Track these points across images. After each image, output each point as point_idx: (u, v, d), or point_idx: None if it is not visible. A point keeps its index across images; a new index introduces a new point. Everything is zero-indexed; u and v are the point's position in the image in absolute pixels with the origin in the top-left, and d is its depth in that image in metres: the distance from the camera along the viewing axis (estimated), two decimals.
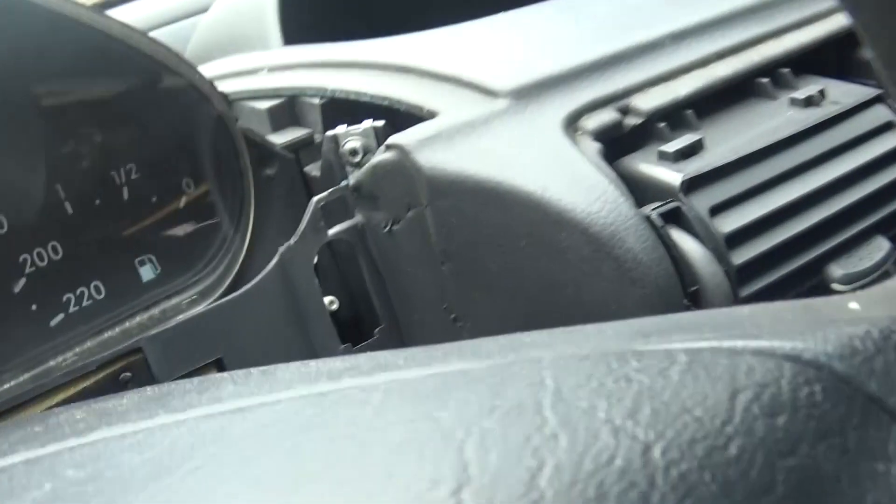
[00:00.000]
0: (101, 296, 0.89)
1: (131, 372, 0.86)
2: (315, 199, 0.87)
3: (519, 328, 0.88)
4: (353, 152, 0.90)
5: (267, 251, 0.89)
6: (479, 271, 0.84)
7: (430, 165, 0.83)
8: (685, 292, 0.79)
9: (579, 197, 0.78)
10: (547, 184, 0.79)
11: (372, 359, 0.54)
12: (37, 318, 0.86)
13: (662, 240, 0.79)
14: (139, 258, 0.91)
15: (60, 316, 0.87)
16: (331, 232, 0.88)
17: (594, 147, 0.84)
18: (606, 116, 0.87)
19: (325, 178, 0.93)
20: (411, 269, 0.88)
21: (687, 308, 0.79)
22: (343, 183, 0.89)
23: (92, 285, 0.89)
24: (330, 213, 0.92)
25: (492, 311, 0.85)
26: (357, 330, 0.95)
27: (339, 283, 0.96)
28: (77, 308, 0.88)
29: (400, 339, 0.91)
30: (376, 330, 0.92)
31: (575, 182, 0.79)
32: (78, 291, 0.88)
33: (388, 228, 0.87)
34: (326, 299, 0.93)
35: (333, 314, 0.93)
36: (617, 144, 0.86)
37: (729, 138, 0.88)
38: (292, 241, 0.87)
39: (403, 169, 0.84)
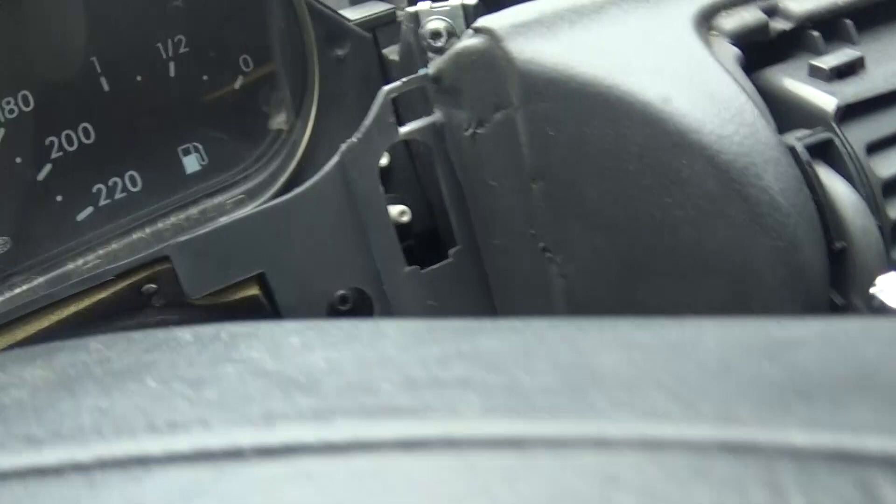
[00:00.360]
0: (137, 188, 0.76)
1: (156, 283, 0.73)
2: (385, 89, 0.72)
3: (619, 270, 0.73)
4: (435, 34, 0.74)
5: (331, 148, 0.75)
6: (577, 196, 0.68)
7: (525, 58, 0.67)
8: (829, 249, 0.63)
9: (709, 115, 0.62)
10: (670, 94, 0.63)
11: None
12: (62, 210, 0.74)
13: (807, 180, 0.63)
14: (183, 146, 0.77)
15: (89, 210, 0.75)
16: (402, 130, 0.73)
17: (731, 52, 0.67)
18: (749, 16, 0.69)
19: (404, 63, 0.78)
20: (496, 183, 0.72)
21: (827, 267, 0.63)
22: (421, 71, 0.73)
23: (127, 175, 0.76)
24: (406, 106, 0.77)
25: (589, 246, 0.70)
26: (432, 249, 0.80)
27: (414, 192, 0.81)
28: (108, 201, 0.76)
29: (478, 264, 0.77)
30: (451, 251, 0.77)
31: (705, 95, 0.62)
32: (110, 182, 0.75)
33: (470, 131, 0.72)
34: (396, 209, 0.78)
35: (404, 227, 0.79)
36: (758, 52, 0.69)
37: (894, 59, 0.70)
38: (355, 137, 0.72)
39: (492, 60, 0.68)
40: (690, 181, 0.62)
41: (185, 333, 0.45)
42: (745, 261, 0.63)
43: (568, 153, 0.67)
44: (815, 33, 0.69)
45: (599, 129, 0.65)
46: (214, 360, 0.41)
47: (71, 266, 0.73)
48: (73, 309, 0.71)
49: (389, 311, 0.76)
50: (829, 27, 0.70)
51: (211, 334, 0.45)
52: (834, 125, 0.64)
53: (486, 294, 0.77)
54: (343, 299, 0.76)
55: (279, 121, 0.79)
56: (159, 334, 0.46)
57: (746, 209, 0.61)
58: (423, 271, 0.76)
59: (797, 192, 0.61)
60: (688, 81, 0.63)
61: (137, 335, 0.47)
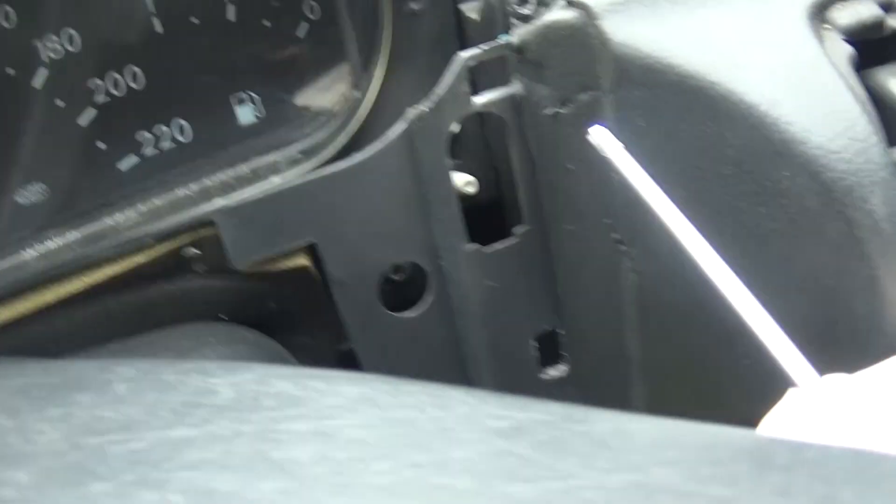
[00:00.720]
0: (185, 138, 0.71)
1: (199, 248, 0.69)
2: (462, 55, 0.66)
3: (692, 278, 0.68)
4: (523, 0, 0.68)
5: (397, 110, 0.70)
6: (663, 191, 0.63)
7: (620, 40, 0.61)
8: None
9: (818, 125, 0.56)
10: (778, 97, 0.57)
11: None
12: (104, 159, 0.69)
13: None
14: (238, 95, 0.72)
15: (133, 159, 0.70)
16: (477, 101, 0.68)
17: (845, 51, 0.61)
18: (865, 11, 0.63)
19: (484, 24, 0.72)
20: (573, 166, 0.67)
21: None
22: (502, 38, 0.68)
23: (175, 124, 0.71)
24: (483, 73, 0.71)
25: (667, 246, 0.65)
26: (495, 224, 0.75)
27: (482, 160, 0.76)
28: (155, 152, 0.70)
29: (544, 247, 0.72)
30: (516, 230, 0.72)
31: (816, 102, 0.57)
32: (157, 131, 0.70)
33: (552, 110, 0.66)
34: (463, 178, 0.73)
35: (469, 199, 0.74)
36: (869, 50, 0.63)
37: None
38: (426, 106, 0.67)
39: (585, 37, 0.63)
40: (789, 194, 0.57)
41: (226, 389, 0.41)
42: (836, 286, 0.58)
43: (658, 147, 0.62)
44: None
45: (696, 126, 0.60)
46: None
47: (110, 222, 0.68)
48: (108, 272, 0.67)
49: (445, 288, 0.72)
50: None
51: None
52: None
53: (549, 279, 0.73)
54: (397, 269, 0.72)
55: (344, 76, 0.73)
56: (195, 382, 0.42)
57: (847, 232, 0.56)
58: (484, 250, 0.71)
59: None
60: (798, 84, 0.57)
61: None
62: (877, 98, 0.62)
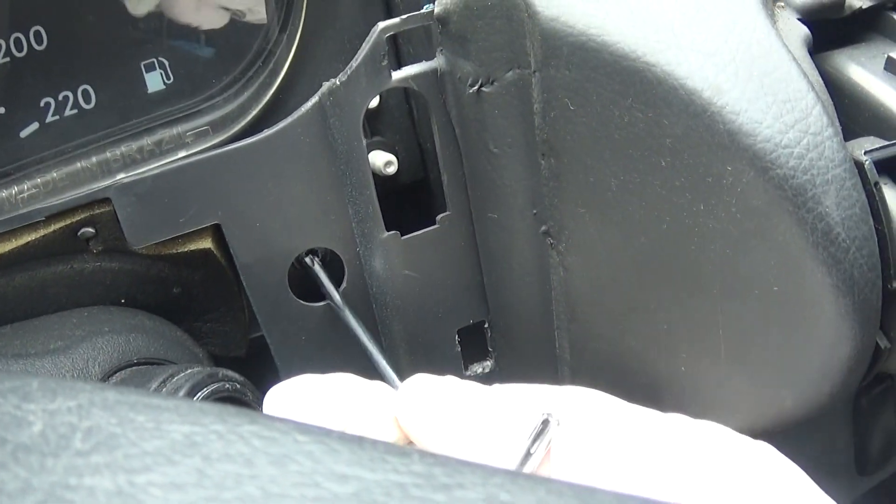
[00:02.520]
0: (90, 105, 0.61)
1: (94, 227, 0.59)
2: (380, 25, 0.57)
3: (631, 273, 0.59)
4: None
5: (315, 82, 0.60)
6: (593, 183, 0.54)
7: (550, 14, 0.52)
8: (885, 288, 0.50)
9: (768, 116, 0.47)
10: (723, 83, 0.48)
11: None
12: (4, 124, 0.60)
13: (871, 204, 0.49)
14: (147, 61, 0.62)
15: (34, 126, 0.60)
16: (396, 76, 0.58)
17: (799, 33, 0.52)
18: None
19: None
20: (498, 150, 0.58)
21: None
22: (426, 7, 0.58)
23: (80, 90, 0.61)
24: (407, 41, 0.62)
25: (598, 241, 0.56)
26: (418, 209, 0.66)
27: (406, 137, 0.66)
28: (56, 118, 0.61)
29: (469, 236, 0.63)
30: (439, 217, 0.63)
31: (766, 90, 0.48)
32: (60, 96, 0.60)
33: (476, 88, 0.57)
34: (382, 158, 0.64)
35: (390, 180, 0.65)
36: (826, 30, 0.55)
37: None
38: (339, 79, 0.58)
39: (511, 10, 0.53)
40: (732, 191, 0.49)
41: None
42: (785, 292, 0.49)
43: (589, 133, 0.53)
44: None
45: (631, 111, 0.50)
46: None
47: (3, 194, 0.58)
48: None
49: (361, 277, 0.63)
50: None
51: None
52: None
53: (475, 270, 0.64)
54: (312, 252, 0.63)
55: (258, 42, 0.63)
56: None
57: (797, 236, 0.47)
58: (404, 238, 0.62)
59: (860, 223, 0.47)
60: (746, 69, 0.48)
61: None
62: (833, 85, 0.53)
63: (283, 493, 0.29)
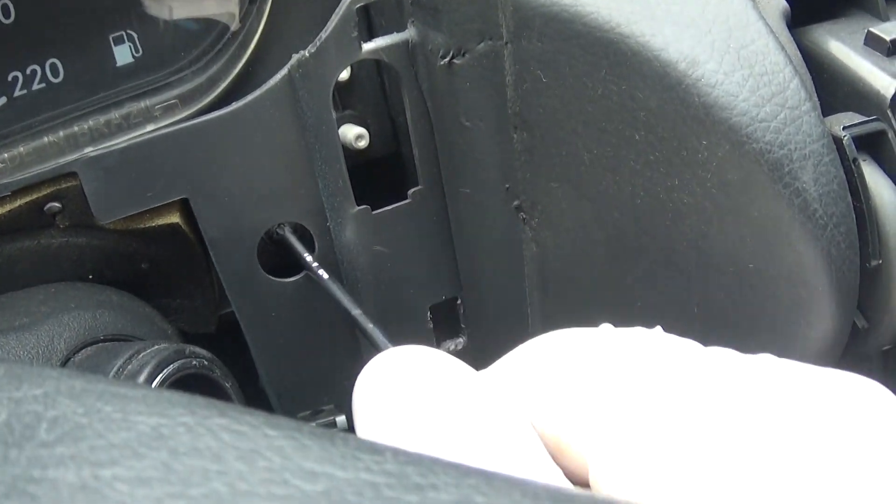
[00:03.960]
0: (58, 78, 0.58)
1: (61, 202, 0.56)
2: None
3: (605, 249, 0.56)
4: None
5: (286, 54, 0.57)
6: (566, 157, 0.51)
7: None
8: (863, 266, 0.47)
9: (744, 89, 0.44)
10: (698, 55, 0.45)
11: None
12: None
13: (850, 180, 0.46)
14: (116, 34, 0.59)
15: (1, 100, 0.57)
16: (366, 47, 0.55)
17: (777, 5, 0.49)
18: None
19: None
20: (470, 123, 0.55)
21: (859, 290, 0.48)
22: None
23: (48, 63, 0.57)
24: (379, 16, 0.59)
25: (572, 216, 0.53)
26: (390, 183, 0.63)
27: (378, 110, 0.63)
28: (24, 92, 0.57)
29: (441, 210, 0.59)
30: (410, 192, 0.60)
31: (742, 62, 0.45)
32: (28, 70, 0.57)
33: (447, 60, 0.54)
34: (353, 131, 0.61)
35: (361, 154, 0.61)
36: (802, 4, 0.51)
37: None
38: (308, 51, 0.54)
39: None
40: (708, 166, 0.46)
41: None
42: (760, 269, 0.47)
43: (561, 106, 0.50)
44: None
45: (604, 84, 0.47)
46: None
47: None
48: None
49: (331, 252, 0.59)
50: None
51: None
52: (890, 114, 0.47)
53: (447, 246, 0.61)
54: (281, 232, 0.60)
55: (227, 12, 0.60)
56: None
57: (773, 212, 0.45)
58: (375, 212, 0.59)
59: (837, 199, 0.45)
60: (723, 41, 0.45)
61: None
62: (812, 60, 0.50)
63: (250, 490, 0.27)
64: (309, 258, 0.58)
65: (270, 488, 0.27)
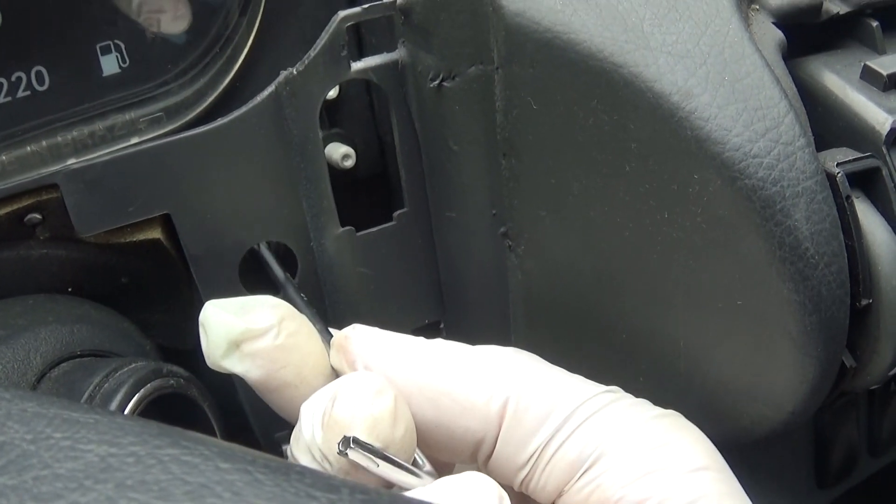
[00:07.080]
0: (44, 86, 0.55)
1: (41, 214, 0.54)
2: (340, 15, 0.51)
3: (591, 280, 0.54)
4: None
5: (274, 72, 0.55)
6: (555, 186, 0.49)
7: (515, 9, 0.46)
8: (853, 305, 0.45)
9: (738, 123, 0.42)
10: (692, 86, 0.43)
11: None
12: None
13: (842, 218, 0.44)
14: (103, 43, 0.56)
15: None
16: (356, 67, 0.53)
17: (774, 37, 0.47)
18: None
19: None
20: (458, 148, 0.52)
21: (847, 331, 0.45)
22: None
23: (33, 71, 0.55)
24: (371, 35, 0.57)
25: (558, 245, 0.51)
26: (375, 204, 0.61)
27: (366, 129, 0.61)
28: (8, 99, 0.55)
29: (426, 233, 0.57)
30: (396, 214, 0.57)
31: (737, 95, 0.43)
32: (13, 77, 0.54)
33: (437, 82, 0.52)
34: (339, 150, 0.58)
35: (348, 173, 0.59)
36: (798, 36, 0.49)
37: None
38: (296, 69, 0.52)
39: (476, 4, 0.48)
40: (699, 201, 0.44)
41: None
42: (748, 308, 0.44)
43: (551, 134, 0.48)
44: (874, 23, 0.49)
45: (596, 113, 0.45)
46: None
47: None
48: None
49: (314, 273, 0.57)
50: (892, 17, 0.50)
51: None
52: (885, 151, 0.45)
53: (432, 269, 0.58)
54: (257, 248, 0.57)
55: (217, 24, 0.57)
56: None
57: (764, 249, 0.42)
58: (359, 234, 0.56)
59: (830, 238, 0.42)
60: (718, 74, 0.43)
61: None
62: (807, 93, 0.48)
63: None
64: (282, 276, 0.56)
65: None
